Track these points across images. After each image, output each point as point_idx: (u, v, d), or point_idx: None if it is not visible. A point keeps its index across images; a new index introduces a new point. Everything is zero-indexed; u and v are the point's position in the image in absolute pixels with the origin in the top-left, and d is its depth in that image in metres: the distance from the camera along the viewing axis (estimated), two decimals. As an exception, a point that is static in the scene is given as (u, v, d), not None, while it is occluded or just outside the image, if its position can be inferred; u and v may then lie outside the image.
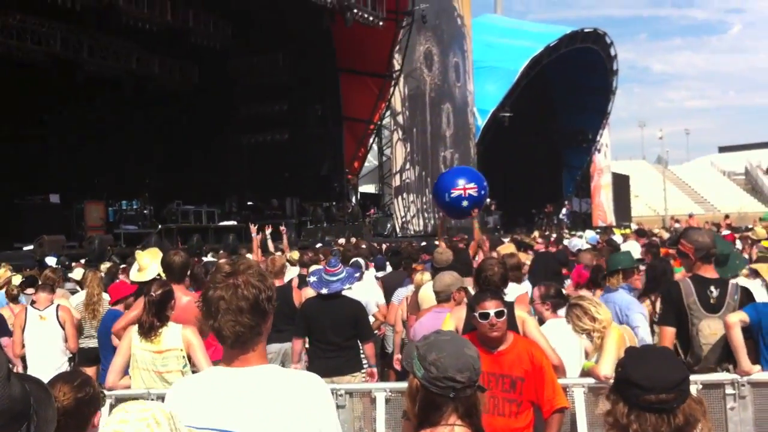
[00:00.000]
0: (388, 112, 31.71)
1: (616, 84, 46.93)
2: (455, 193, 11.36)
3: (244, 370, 2.41)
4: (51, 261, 14.12)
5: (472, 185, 10.99)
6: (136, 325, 5.38)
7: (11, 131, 21.63)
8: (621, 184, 59.50)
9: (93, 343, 8.04)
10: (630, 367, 2.33)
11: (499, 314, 4.18)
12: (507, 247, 9.25)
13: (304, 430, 2.31)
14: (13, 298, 8.67)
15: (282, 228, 13.84)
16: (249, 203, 28.56)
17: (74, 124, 23.77)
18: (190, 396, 2.44)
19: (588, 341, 5.38)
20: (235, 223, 25.89)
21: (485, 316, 4.19)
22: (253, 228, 11.58)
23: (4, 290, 9.31)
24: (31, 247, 18.13)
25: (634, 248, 8.70)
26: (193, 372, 5.36)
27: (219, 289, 2.39)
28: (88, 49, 24.53)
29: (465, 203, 11.38)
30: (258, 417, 2.31)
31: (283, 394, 2.34)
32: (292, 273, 9.74)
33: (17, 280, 8.84)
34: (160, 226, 22.47)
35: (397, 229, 30.12)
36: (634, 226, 26.11)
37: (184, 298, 5.94)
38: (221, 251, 17.10)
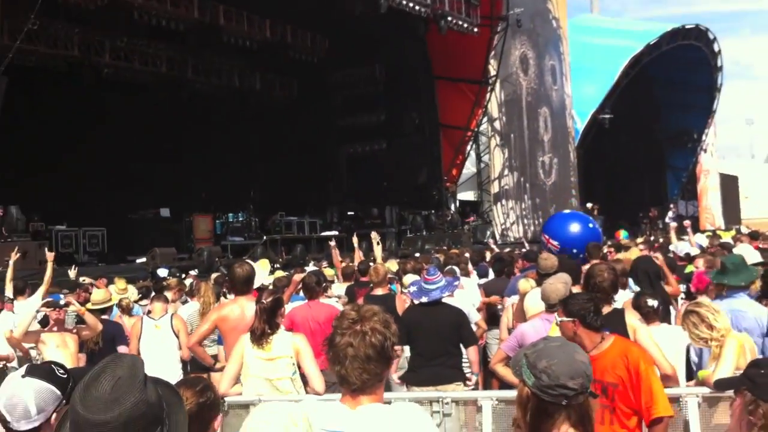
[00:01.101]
0: (485, 119, 31.53)
1: (721, 81, 45.24)
2: (543, 237, 11.25)
3: (357, 410, 2.44)
4: (163, 273, 14.64)
5: (555, 242, 10.76)
6: (248, 333, 5.54)
7: (122, 150, 22.57)
8: (729, 185, 57.30)
9: (208, 351, 8.29)
10: None
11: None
12: (633, 252, 9.04)
13: None
14: (126, 310, 9.01)
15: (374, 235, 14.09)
16: (349, 213, 28.90)
17: (180, 141, 24.62)
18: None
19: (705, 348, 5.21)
20: (336, 233, 26.24)
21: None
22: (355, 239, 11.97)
23: (114, 303, 9.72)
24: (143, 259, 18.87)
25: (747, 251, 8.33)
26: (303, 379, 5.49)
27: (346, 335, 2.41)
28: (192, 67, 25.41)
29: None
30: None
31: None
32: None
33: (133, 292, 9.16)
34: (265, 237, 23.02)
35: (497, 236, 29.89)
36: (744, 229, 25.03)
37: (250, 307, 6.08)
38: (323, 261, 17.39)
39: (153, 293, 8.94)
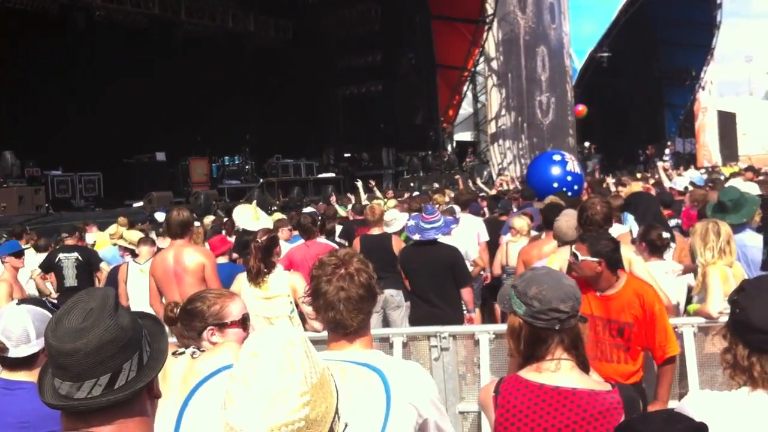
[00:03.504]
0: (482, 58, 31.24)
1: (720, 18, 44.68)
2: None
3: (354, 353, 2.40)
4: (160, 216, 14.63)
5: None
6: (245, 273, 5.58)
7: (116, 93, 22.36)
8: (727, 122, 57.19)
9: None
10: (749, 309, 2.19)
11: (574, 256, 4.12)
12: (636, 186, 9.03)
13: (404, 416, 2.28)
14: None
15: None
16: (346, 155, 28.84)
17: (175, 84, 24.38)
18: None
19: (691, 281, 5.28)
20: (333, 175, 26.24)
21: (573, 255, 4.16)
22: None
23: (116, 247, 9.71)
24: (141, 203, 18.89)
25: (741, 185, 8.36)
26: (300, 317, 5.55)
27: (333, 281, 2.39)
28: (186, 9, 25.04)
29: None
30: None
31: (389, 379, 2.27)
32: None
33: (135, 234, 9.03)
34: (261, 180, 23.01)
35: (494, 176, 29.87)
36: (742, 165, 25.01)
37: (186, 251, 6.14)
38: (320, 203, 17.44)
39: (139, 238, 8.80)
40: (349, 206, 13.31)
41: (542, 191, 9.90)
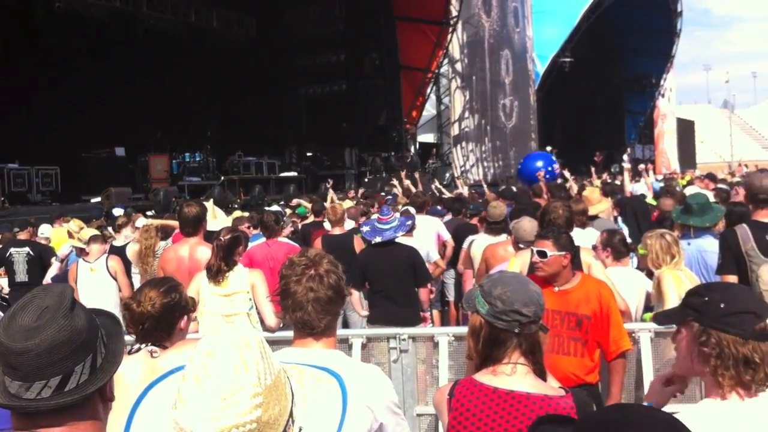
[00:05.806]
0: (446, 60, 31.32)
1: (680, 26, 45.46)
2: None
3: (316, 352, 2.40)
4: (118, 212, 14.41)
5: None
6: (205, 271, 5.51)
7: (76, 87, 22.00)
8: (686, 129, 58.10)
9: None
10: (721, 300, 2.12)
11: (541, 254, 4.16)
12: (592, 192, 9.11)
13: (359, 419, 2.27)
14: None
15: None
16: (308, 154, 28.73)
17: (136, 79, 24.06)
18: None
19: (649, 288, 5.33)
20: (295, 174, 26.12)
21: (539, 253, 4.19)
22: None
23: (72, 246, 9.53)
24: (98, 199, 18.59)
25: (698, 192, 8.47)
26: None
27: (303, 281, 2.39)
28: (148, 3, 24.70)
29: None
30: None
31: (347, 383, 2.27)
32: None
33: (89, 233, 8.84)
34: (222, 178, 22.81)
35: (455, 179, 29.98)
36: (698, 173, 25.42)
37: (200, 248, 6.00)
38: (282, 202, 17.34)
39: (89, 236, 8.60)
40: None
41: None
